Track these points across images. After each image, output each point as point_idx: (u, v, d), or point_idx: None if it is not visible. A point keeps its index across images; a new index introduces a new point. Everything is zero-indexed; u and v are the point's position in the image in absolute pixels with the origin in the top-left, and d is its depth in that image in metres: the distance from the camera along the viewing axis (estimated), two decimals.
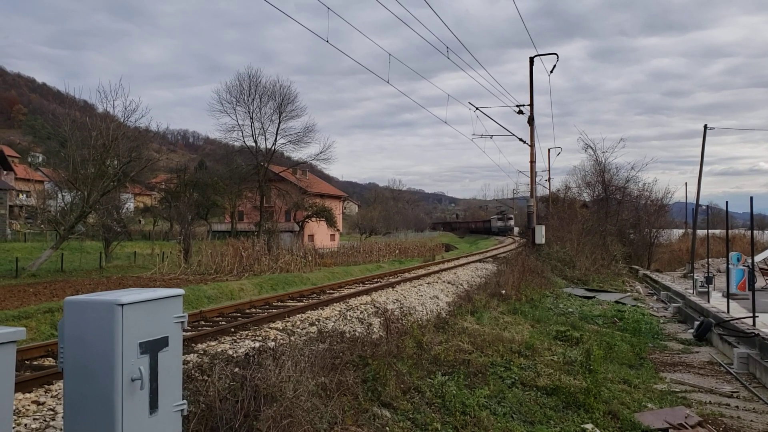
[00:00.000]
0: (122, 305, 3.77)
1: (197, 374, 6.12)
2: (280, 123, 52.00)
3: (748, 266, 19.51)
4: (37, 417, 5.84)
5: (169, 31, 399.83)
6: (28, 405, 6.25)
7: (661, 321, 19.43)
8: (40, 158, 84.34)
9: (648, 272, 37.03)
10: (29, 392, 6.76)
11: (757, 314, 14.66)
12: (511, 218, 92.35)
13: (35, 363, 8.57)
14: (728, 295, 18.16)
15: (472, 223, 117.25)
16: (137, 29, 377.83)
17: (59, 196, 40.45)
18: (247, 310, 14.15)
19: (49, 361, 8.71)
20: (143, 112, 66.74)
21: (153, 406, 4.01)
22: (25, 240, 48.12)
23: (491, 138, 35.31)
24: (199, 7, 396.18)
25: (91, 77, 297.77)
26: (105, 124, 31.44)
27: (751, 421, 9.44)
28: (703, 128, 40.37)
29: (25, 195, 71.35)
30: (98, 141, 30.64)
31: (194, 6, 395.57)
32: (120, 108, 34.10)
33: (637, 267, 40.21)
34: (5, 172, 69.29)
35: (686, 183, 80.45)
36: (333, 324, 11.50)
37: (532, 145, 33.35)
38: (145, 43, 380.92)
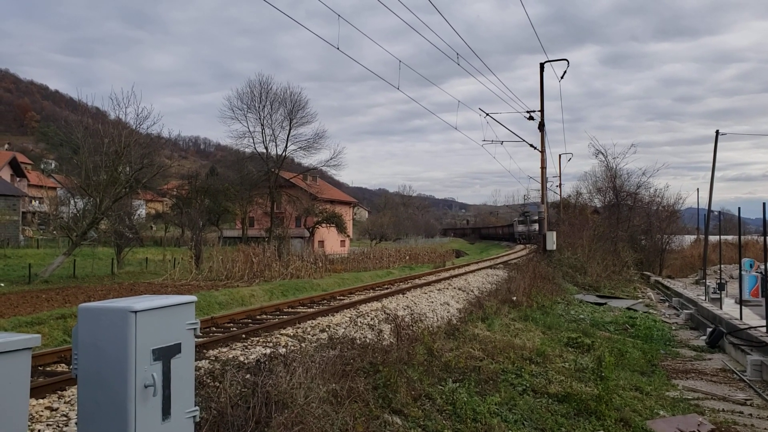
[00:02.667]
0: (136, 312, 3.80)
1: (209, 380, 6.15)
2: (290, 129, 52.33)
3: (761, 272, 19.33)
4: (51, 423, 5.90)
5: (181, 38, 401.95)
6: (42, 411, 6.31)
7: (673, 328, 19.28)
8: (53, 165, 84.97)
9: (660, 278, 36.77)
10: (43, 398, 6.82)
11: None
12: (536, 221, 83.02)
13: (48, 369, 8.64)
14: (741, 302, 18.00)
15: (495, 228, 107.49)
16: (150, 37, 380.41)
17: (72, 202, 40.76)
18: (258, 317, 14.19)
19: (62, 367, 8.77)
20: (155, 119, 67.75)
21: (166, 412, 4.04)
22: (38, 246, 48.51)
23: (502, 144, 35.15)
24: (210, 15, 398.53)
25: (104, 84, 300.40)
26: (117, 131, 31.75)
27: (765, 429, 9.34)
28: (714, 134, 40.18)
29: (37, 201, 71.90)
30: (110, 148, 30.92)
31: (206, 14, 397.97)
32: (132, 115, 34.51)
33: (648, 273, 39.92)
34: (18, 179, 70.01)
35: (698, 189, 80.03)
36: (343, 330, 11.52)
37: (542, 151, 33.28)
38: (157, 51, 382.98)
